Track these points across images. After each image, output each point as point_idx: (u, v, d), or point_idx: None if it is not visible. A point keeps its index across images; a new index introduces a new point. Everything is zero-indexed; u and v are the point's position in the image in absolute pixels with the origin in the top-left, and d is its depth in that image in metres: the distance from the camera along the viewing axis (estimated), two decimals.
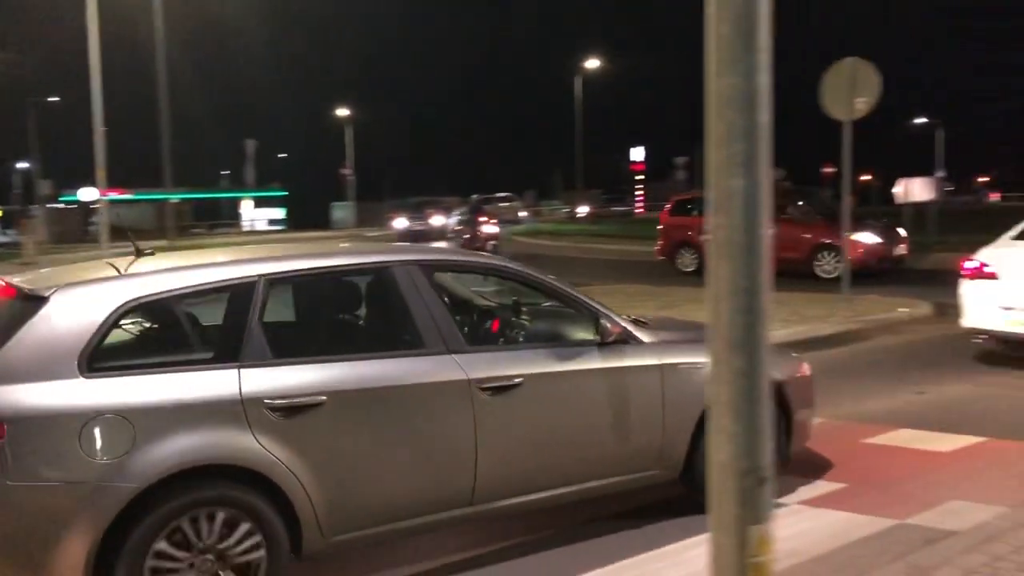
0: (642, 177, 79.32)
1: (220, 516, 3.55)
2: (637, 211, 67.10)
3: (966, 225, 22.07)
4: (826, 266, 16.23)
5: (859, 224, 16.08)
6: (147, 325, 3.96)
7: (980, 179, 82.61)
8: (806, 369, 5.42)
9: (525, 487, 4.32)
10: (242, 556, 3.60)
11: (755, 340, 1.75)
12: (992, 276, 8.53)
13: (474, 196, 28.95)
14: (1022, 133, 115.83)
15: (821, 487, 5.20)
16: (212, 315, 3.99)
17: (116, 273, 3.86)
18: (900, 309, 11.66)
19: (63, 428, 3.36)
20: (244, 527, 3.59)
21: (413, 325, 4.12)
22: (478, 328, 4.85)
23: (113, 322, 3.60)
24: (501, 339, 4.74)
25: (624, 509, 4.85)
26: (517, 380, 4.21)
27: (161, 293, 3.78)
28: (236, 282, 3.86)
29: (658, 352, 4.69)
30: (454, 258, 5.08)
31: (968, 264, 8.85)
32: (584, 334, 4.60)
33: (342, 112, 64.39)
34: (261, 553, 3.63)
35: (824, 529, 4.55)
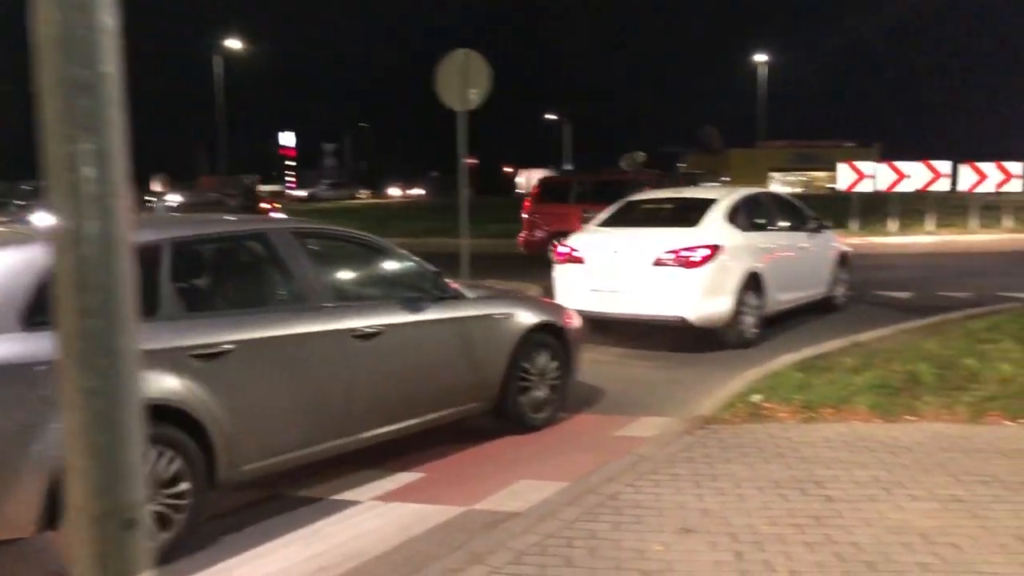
0: (293, 162, 77.86)
1: (154, 452, 3.92)
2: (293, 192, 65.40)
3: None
4: None
5: None
6: None
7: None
8: (575, 315, 6.69)
9: (386, 420, 5.10)
10: (172, 486, 4.00)
11: (115, 352, 1.38)
12: (580, 260, 9.15)
13: (247, 178, 24.01)
14: (640, 129, 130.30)
15: (398, 479, 5.09)
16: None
17: (31, 236, 4.30)
18: None
19: (15, 375, 3.70)
20: (173, 461, 4.01)
21: (294, 282, 4.79)
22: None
23: (44, 280, 3.77)
24: (355, 295, 5.35)
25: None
26: (379, 328, 4.98)
27: None
28: (146, 245, 4.21)
29: (479, 305, 5.79)
30: (318, 227, 5.75)
31: (560, 249, 9.43)
32: (411, 292, 5.41)
33: None
34: (187, 484, 4.06)
35: (393, 524, 4.41)
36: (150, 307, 4.16)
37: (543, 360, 6.13)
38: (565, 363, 6.34)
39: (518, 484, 4.92)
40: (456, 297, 5.65)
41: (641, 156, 23.47)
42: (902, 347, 7.76)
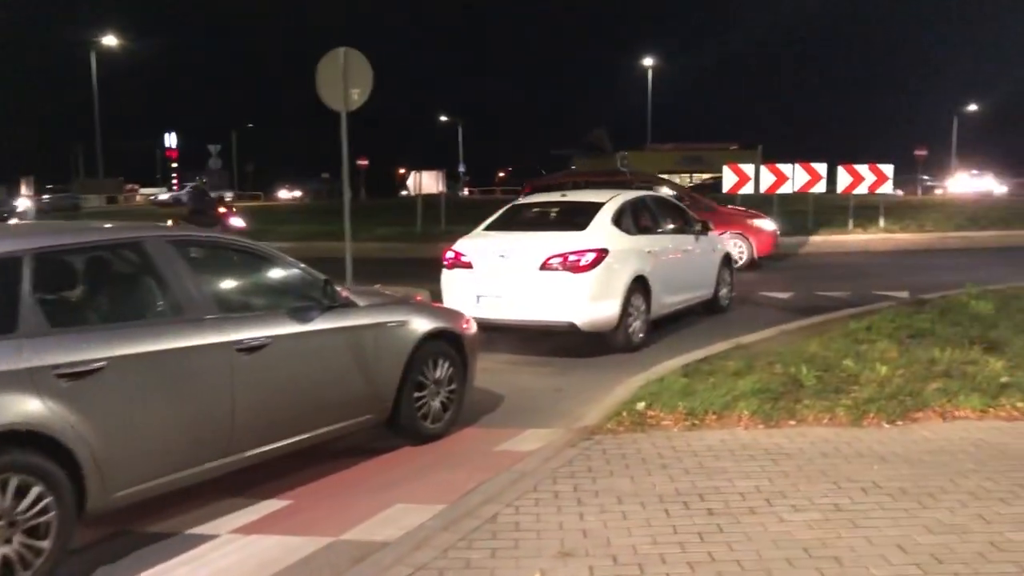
0: (176, 164, 75.07)
1: (13, 481, 3.63)
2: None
3: (474, 214, 23.77)
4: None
5: None
6: None
7: (500, 174, 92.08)
8: (472, 321, 6.50)
9: (274, 436, 4.82)
10: (34, 518, 3.69)
11: None
12: (467, 265, 8.91)
13: (201, 179, 20.35)
14: (533, 131, 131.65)
15: (262, 508, 4.71)
16: None
17: None
18: None
19: None
20: (36, 490, 3.69)
21: (172, 294, 4.46)
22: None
23: None
24: (239, 306, 4.97)
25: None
26: (267, 340, 4.72)
27: None
28: (3, 256, 3.97)
29: (372, 313, 5.53)
30: (199, 235, 5.49)
31: (447, 254, 9.17)
32: (299, 301, 5.14)
33: None
34: (52, 514, 3.74)
35: (252, 560, 4.06)
36: (8, 323, 3.81)
37: (440, 369, 5.96)
38: (462, 371, 6.17)
39: (393, 509, 4.62)
40: (347, 305, 5.38)
41: (627, 156, 22.47)
42: (784, 349, 7.81)
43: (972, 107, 73.98)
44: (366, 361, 5.40)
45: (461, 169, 77.90)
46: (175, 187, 63.11)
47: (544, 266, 8.43)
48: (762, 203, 21.95)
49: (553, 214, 9.75)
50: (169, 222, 19.15)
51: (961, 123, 71.40)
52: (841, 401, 6.08)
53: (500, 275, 8.64)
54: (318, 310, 5.16)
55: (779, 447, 5.30)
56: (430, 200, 23.66)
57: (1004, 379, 6.50)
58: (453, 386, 6.07)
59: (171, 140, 71.98)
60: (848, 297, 12.13)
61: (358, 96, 11.94)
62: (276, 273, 5.30)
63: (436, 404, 5.92)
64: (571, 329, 8.45)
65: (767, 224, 16.46)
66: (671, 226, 10.25)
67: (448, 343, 6.05)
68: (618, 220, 9.13)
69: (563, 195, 10.34)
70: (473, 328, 6.46)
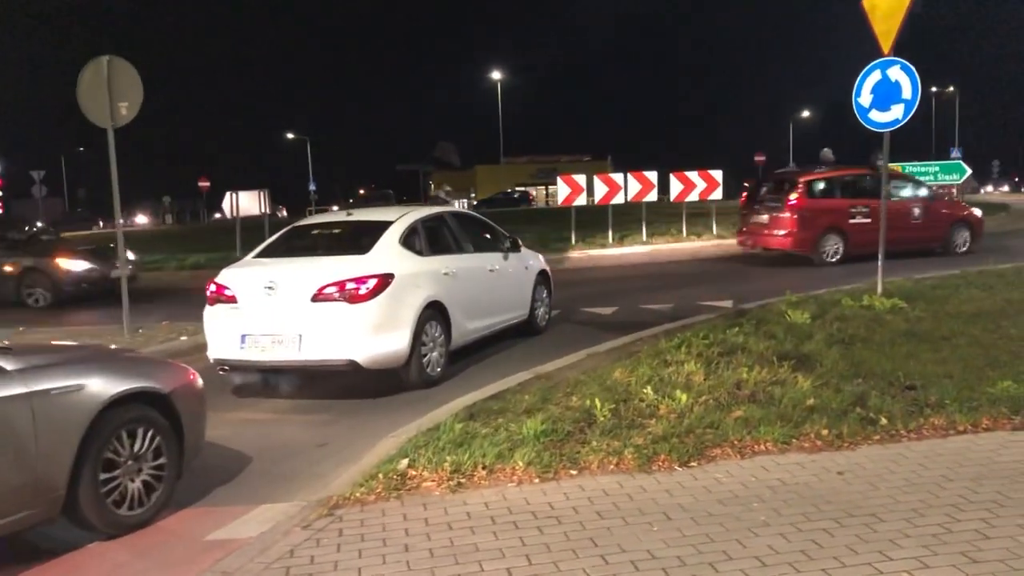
0: (1, 193, 69.62)
1: None
2: None
3: None
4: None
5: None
6: None
7: (361, 191, 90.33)
8: (196, 377, 5.44)
9: None
10: None
11: None
12: (231, 299, 7.72)
13: (446, 190, 15.97)
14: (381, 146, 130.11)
15: None
16: None
17: None
18: (182, 337, 10.52)
19: None
20: None
21: None
22: None
23: None
24: None
25: None
26: None
27: None
28: None
29: (25, 379, 4.31)
30: None
31: (210, 287, 7.94)
32: None
33: None
34: None
35: None
36: None
37: (140, 440, 4.77)
38: (175, 441, 5.03)
39: None
40: None
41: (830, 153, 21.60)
42: (587, 376, 7.04)
43: (805, 113, 77.67)
44: (17, 442, 4.14)
45: (312, 187, 75.67)
46: None
47: (318, 296, 7.35)
48: (598, 214, 21.62)
49: (334, 237, 8.68)
50: None
51: (797, 129, 74.91)
52: (632, 440, 5.30)
53: (268, 310, 7.49)
54: None
55: (550, 508, 4.43)
56: (256, 223, 22.11)
57: (811, 401, 5.92)
58: (162, 460, 4.91)
59: None
60: (670, 310, 11.60)
61: (127, 111, 10.56)
62: None
63: (137, 485, 4.71)
64: (352, 368, 7.39)
65: (979, 212, 17.87)
66: (474, 245, 9.38)
67: (152, 407, 4.90)
68: (408, 240, 8.17)
69: (348, 214, 9.28)
70: (196, 384, 5.33)
